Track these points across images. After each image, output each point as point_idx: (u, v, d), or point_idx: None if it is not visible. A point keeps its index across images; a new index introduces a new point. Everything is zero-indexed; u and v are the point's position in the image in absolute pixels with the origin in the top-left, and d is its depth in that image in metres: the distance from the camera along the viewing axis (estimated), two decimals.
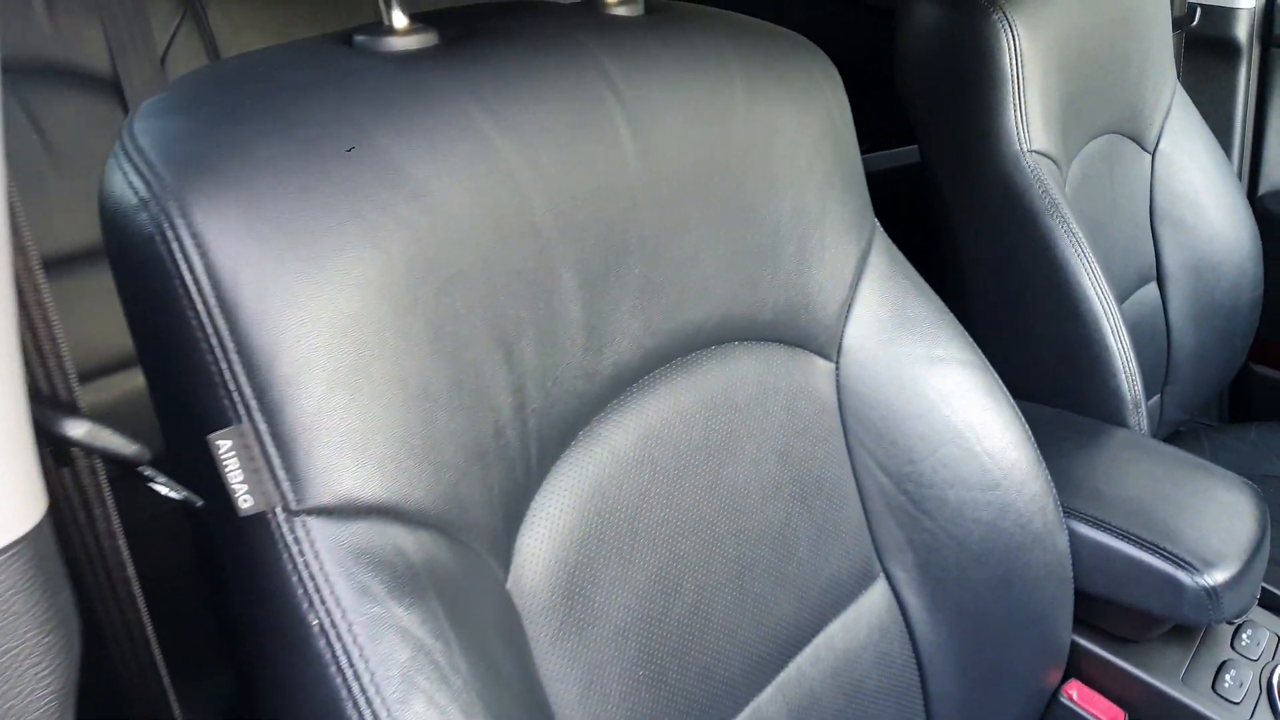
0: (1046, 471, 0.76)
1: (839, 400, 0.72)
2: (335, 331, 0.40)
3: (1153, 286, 1.28)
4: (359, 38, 0.50)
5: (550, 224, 0.50)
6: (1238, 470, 1.30)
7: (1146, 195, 1.26)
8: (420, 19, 0.51)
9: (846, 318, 0.72)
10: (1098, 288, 0.95)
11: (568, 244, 0.51)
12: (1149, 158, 1.25)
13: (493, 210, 0.47)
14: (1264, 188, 1.44)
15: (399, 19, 0.50)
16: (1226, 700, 0.79)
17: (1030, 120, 0.96)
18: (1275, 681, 0.81)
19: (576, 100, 0.52)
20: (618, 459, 0.56)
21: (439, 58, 0.49)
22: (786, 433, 0.68)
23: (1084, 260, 0.95)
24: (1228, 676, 0.81)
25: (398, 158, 0.44)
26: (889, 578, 0.75)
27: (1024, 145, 0.96)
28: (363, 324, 0.41)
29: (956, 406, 0.73)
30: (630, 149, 0.54)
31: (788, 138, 0.65)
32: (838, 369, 0.72)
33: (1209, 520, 0.82)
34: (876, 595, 0.74)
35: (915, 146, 1.13)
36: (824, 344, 0.71)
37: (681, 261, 0.59)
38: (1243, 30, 1.37)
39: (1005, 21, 0.94)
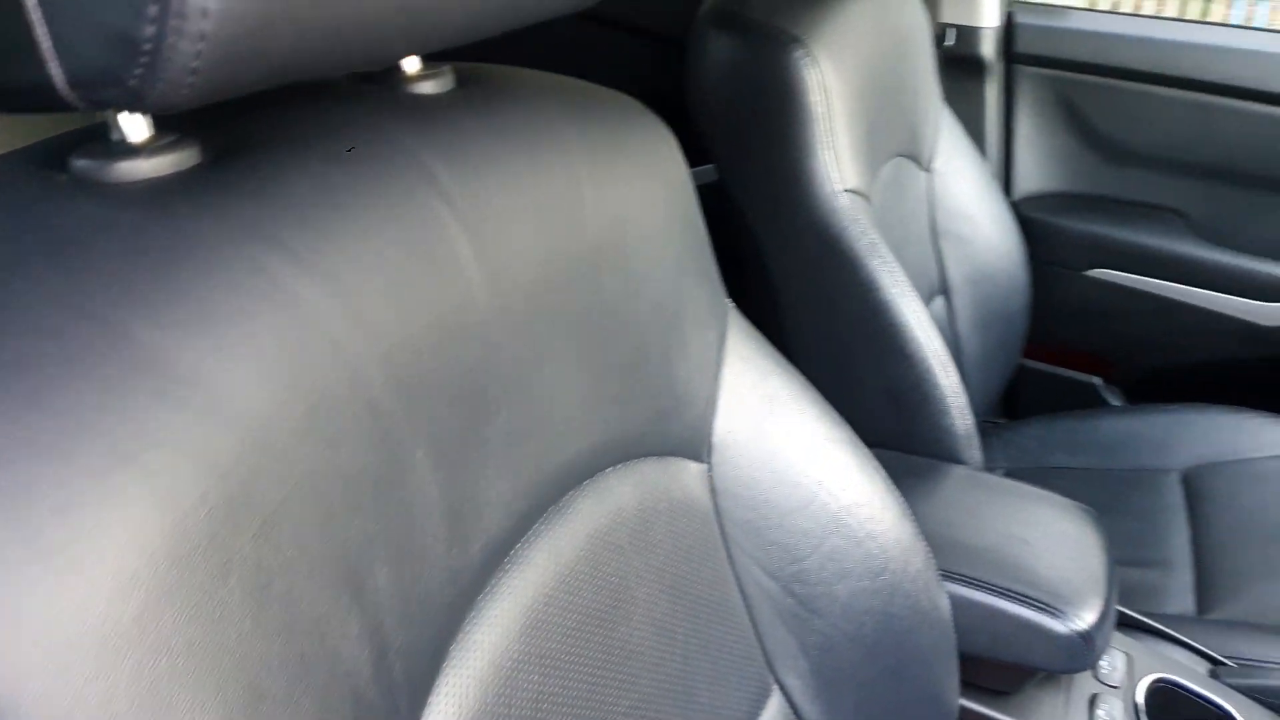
0: (924, 541, 0.71)
1: (715, 505, 0.64)
2: (98, 656, 0.26)
3: (940, 300, 1.30)
4: (79, 161, 0.34)
5: (392, 397, 0.37)
6: (1027, 464, 1.36)
7: (927, 213, 1.28)
8: (169, 125, 0.36)
9: (713, 412, 0.63)
10: (923, 327, 0.93)
11: (416, 417, 0.38)
12: (926, 176, 1.27)
13: (318, 400, 0.33)
14: (1017, 194, 1.51)
15: (136, 127, 0.35)
16: None
17: (841, 159, 0.92)
18: (1140, 703, 0.82)
19: (403, 221, 0.39)
20: (500, 669, 0.44)
21: (207, 186, 0.35)
22: (673, 561, 0.58)
23: (908, 300, 0.93)
24: (1101, 711, 0.81)
25: (170, 357, 0.29)
26: (784, 690, 0.68)
27: (838, 185, 0.92)
28: (146, 630, 0.27)
29: (835, 491, 0.67)
30: (475, 273, 0.42)
31: (639, 222, 0.55)
32: (710, 470, 0.63)
33: (1065, 559, 0.82)
34: (772, 713, 0.67)
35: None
36: (695, 446, 0.62)
37: (547, 397, 0.47)
38: (989, 48, 1.43)
39: (810, 57, 0.90)
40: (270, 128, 0.40)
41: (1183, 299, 1.37)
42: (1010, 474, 1.32)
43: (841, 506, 0.66)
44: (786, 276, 0.97)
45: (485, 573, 0.44)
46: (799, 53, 0.90)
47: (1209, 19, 6.68)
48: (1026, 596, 0.76)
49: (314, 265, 0.34)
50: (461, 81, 0.51)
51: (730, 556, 0.64)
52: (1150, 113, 1.39)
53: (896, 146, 1.16)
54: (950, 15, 1.43)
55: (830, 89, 0.91)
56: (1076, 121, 1.45)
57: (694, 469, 0.62)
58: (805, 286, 0.96)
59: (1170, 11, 6.71)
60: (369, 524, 0.35)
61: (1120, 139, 1.43)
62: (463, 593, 0.42)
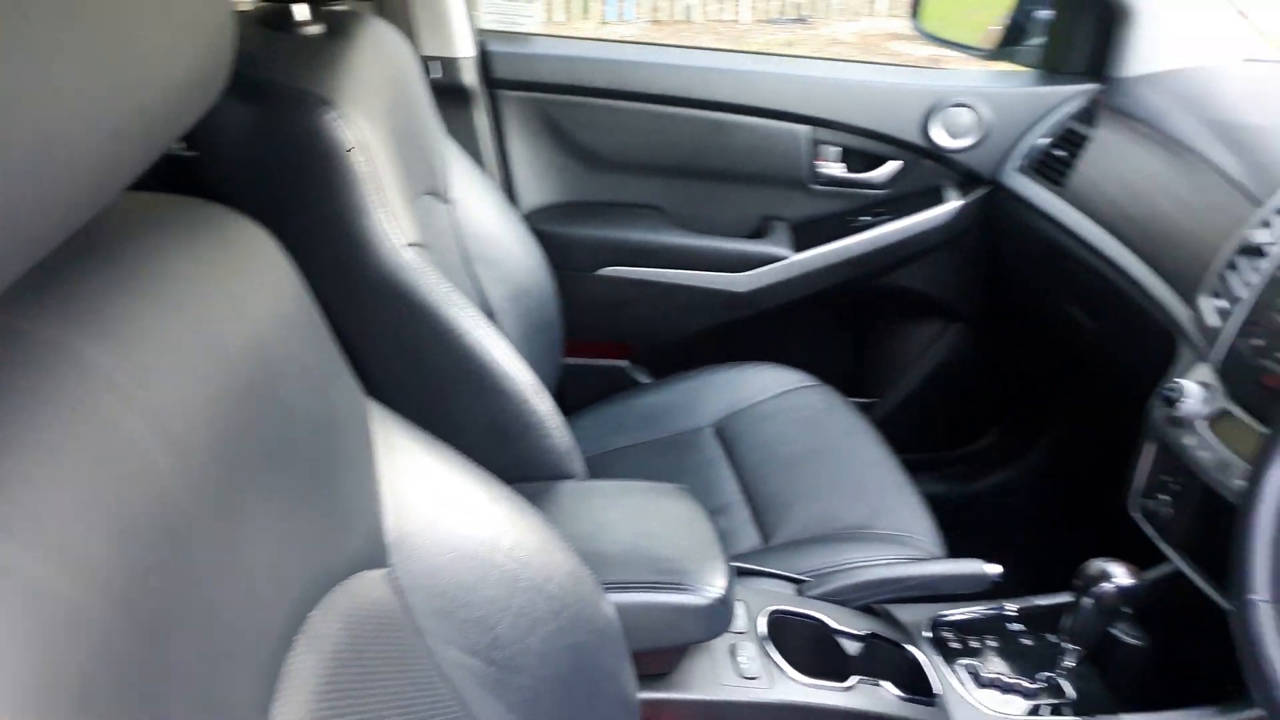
0: (582, 563, 0.76)
1: (404, 605, 0.61)
2: None
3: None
4: None
5: (135, 645, 0.30)
6: (593, 451, 1.47)
7: (456, 244, 1.31)
8: None
9: (380, 512, 0.60)
10: (510, 360, 0.97)
11: (160, 656, 0.32)
12: (447, 208, 1.30)
13: (77, 679, 0.27)
14: (524, 210, 1.62)
15: None
16: (751, 679, 0.91)
17: (396, 214, 0.91)
18: (764, 635, 0.96)
19: (84, 435, 0.32)
20: None
21: None
22: (393, 679, 0.55)
23: (491, 338, 0.96)
24: (741, 657, 0.93)
25: None
26: None
27: (399, 241, 0.91)
28: None
29: (507, 549, 0.68)
30: (164, 464, 0.36)
31: (277, 344, 0.51)
32: (393, 571, 0.60)
33: (684, 538, 0.92)
34: None
35: None
36: (374, 554, 0.59)
37: (252, 567, 0.42)
38: (470, 76, 1.50)
39: (343, 117, 0.87)
40: None
41: (678, 281, 1.59)
42: (588, 461, 1.43)
43: (518, 562, 0.68)
44: (365, 337, 0.93)
45: None
46: (331, 115, 0.86)
47: (589, 16, 7.62)
48: (670, 584, 0.85)
49: (27, 528, 0.27)
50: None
51: (430, 649, 0.62)
52: (619, 124, 1.57)
53: (423, 186, 1.18)
54: (430, 48, 1.46)
55: (369, 146, 0.90)
56: (560, 137, 1.59)
57: (378, 577, 0.59)
58: (388, 345, 0.94)
59: (559, 7, 7.52)
60: None
61: (599, 149, 1.59)
62: None
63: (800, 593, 1.06)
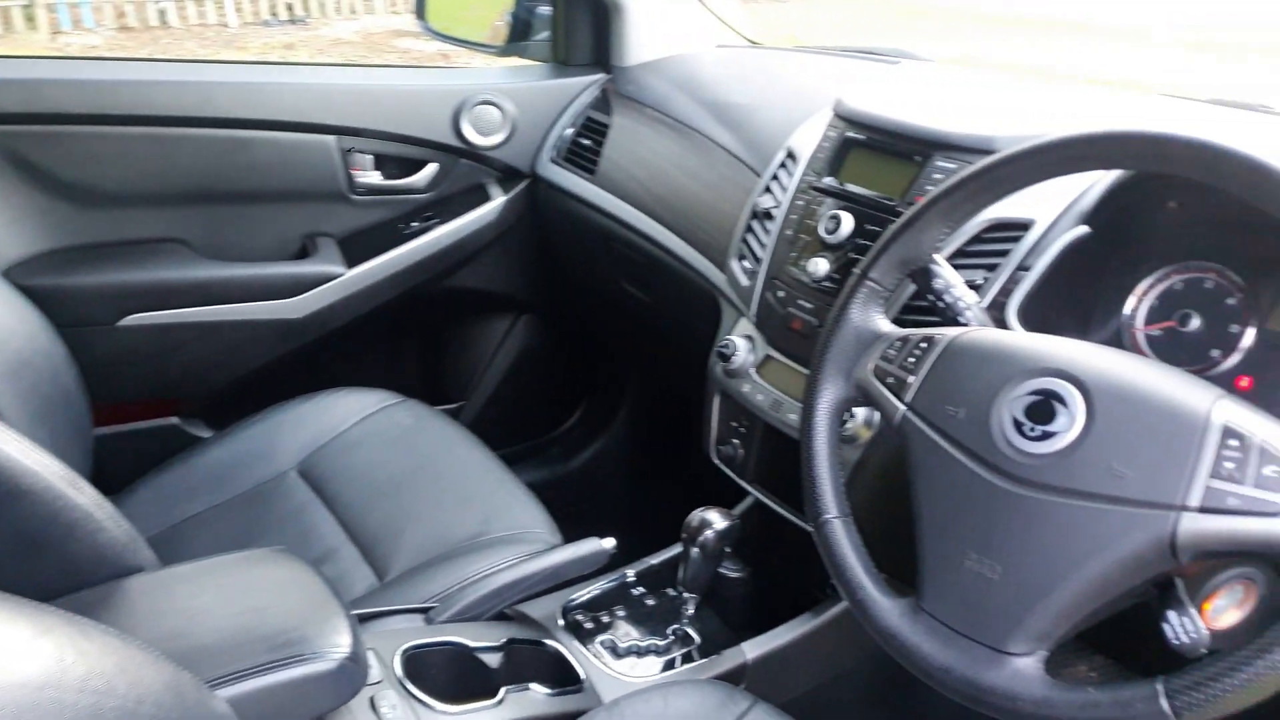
0: (179, 667, 0.64)
1: None
2: None
3: None
4: None
5: None
6: (158, 528, 1.27)
7: None
8: None
9: None
10: (25, 450, 0.79)
11: None
12: None
13: None
14: (1, 265, 1.34)
15: None
16: None
17: None
18: (401, 677, 0.90)
19: None
20: None
21: None
22: None
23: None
24: (384, 707, 0.87)
25: None
26: None
27: None
28: None
29: (78, 683, 0.54)
30: None
31: None
32: None
33: (293, 602, 0.83)
34: None
35: None
36: None
37: None
38: None
39: None
40: None
41: (220, 318, 1.43)
42: (155, 542, 1.23)
43: (97, 693, 0.55)
44: None
45: None
46: None
47: (37, 27, 6.61)
48: (288, 658, 0.75)
49: None
50: None
51: None
52: (110, 153, 1.36)
53: None
54: None
55: None
56: (36, 175, 1.34)
57: None
58: None
59: None
60: None
61: (91, 184, 1.37)
62: None
63: (430, 621, 1.02)
